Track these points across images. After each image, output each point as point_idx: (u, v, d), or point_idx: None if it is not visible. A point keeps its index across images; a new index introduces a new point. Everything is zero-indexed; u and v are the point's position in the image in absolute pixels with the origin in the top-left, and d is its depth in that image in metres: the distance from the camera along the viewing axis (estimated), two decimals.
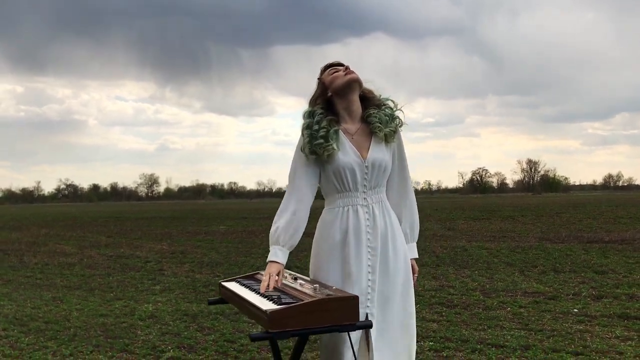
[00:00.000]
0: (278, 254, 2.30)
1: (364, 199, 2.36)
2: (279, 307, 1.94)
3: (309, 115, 2.38)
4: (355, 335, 2.20)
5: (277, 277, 2.24)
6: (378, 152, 2.37)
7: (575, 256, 9.52)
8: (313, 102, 2.42)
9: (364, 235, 2.32)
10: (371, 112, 2.39)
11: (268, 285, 2.17)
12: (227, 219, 23.76)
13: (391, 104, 2.43)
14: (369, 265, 2.30)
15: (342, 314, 1.95)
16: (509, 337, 4.65)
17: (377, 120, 2.36)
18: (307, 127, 2.34)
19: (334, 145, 2.31)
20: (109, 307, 6.27)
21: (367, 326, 2.03)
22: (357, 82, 2.37)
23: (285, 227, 2.32)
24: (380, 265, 2.32)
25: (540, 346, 4.35)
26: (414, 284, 2.43)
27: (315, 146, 2.30)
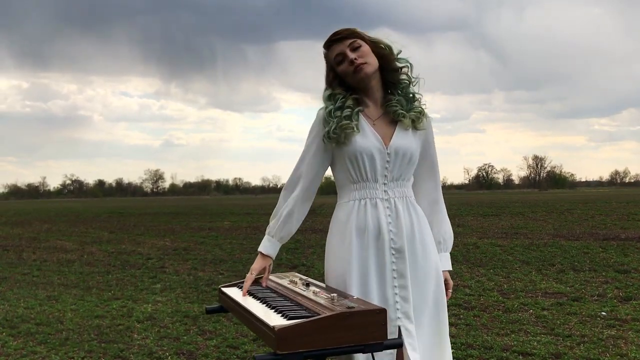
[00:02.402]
0: (265, 244, 2.08)
1: (385, 191, 1.99)
2: (290, 322, 1.58)
3: (329, 98, 2.02)
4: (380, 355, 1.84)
5: (265, 274, 2.08)
6: (403, 139, 2.00)
7: (593, 254, 9.13)
8: (329, 83, 2.05)
9: (387, 235, 1.95)
10: (390, 98, 2.03)
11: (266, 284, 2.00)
12: (232, 215, 23.44)
13: (407, 73, 2.05)
14: (394, 270, 1.93)
15: (366, 330, 1.59)
16: (535, 343, 4.28)
17: (399, 107, 2.00)
18: (329, 114, 1.99)
19: (354, 125, 1.96)
20: (106, 307, 5.93)
21: (396, 345, 1.67)
22: (370, 76, 2.00)
23: (277, 216, 2.07)
24: (410, 272, 1.95)
25: (572, 354, 3.99)
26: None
27: (338, 129, 1.95)
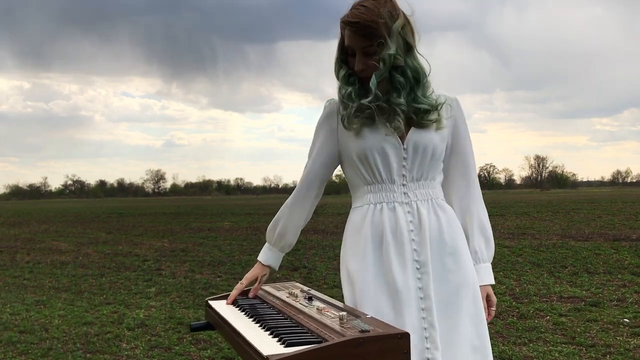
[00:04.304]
0: (265, 253, 1.84)
1: (404, 193, 1.66)
2: (288, 350, 1.25)
3: (346, 78, 1.67)
4: None
5: (256, 285, 1.85)
6: (423, 133, 1.66)
7: (606, 256, 8.79)
8: (343, 61, 1.68)
9: (408, 245, 1.61)
10: (400, 102, 1.62)
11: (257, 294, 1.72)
12: (232, 215, 23.12)
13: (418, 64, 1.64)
14: (419, 288, 1.59)
15: None
16: (556, 354, 3.95)
17: (405, 109, 1.64)
18: (349, 96, 1.64)
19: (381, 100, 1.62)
20: (96, 313, 5.61)
21: None
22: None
23: (274, 224, 1.83)
24: (438, 288, 1.61)
25: None
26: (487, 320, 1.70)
27: (363, 108, 1.63)
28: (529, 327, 4.68)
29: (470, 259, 1.69)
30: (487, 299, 1.73)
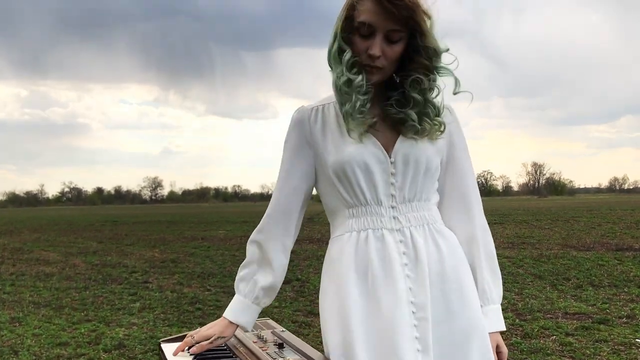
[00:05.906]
0: (233, 309, 1.45)
1: (394, 218, 1.35)
2: None
3: (352, 66, 1.32)
4: None
5: (205, 343, 1.46)
6: (413, 143, 1.35)
7: (610, 267, 8.49)
8: (347, 40, 1.33)
9: (402, 283, 1.29)
10: (393, 101, 1.35)
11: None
12: (228, 223, 22.77)
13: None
14: (416, 338, 1.27)
15: None
16: None
17: (400, 111, 1.35)
18: (359, 86, 1.30)
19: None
20: (73, 331, 5.27)
21: None
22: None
23: (246, 270, 1.48)
24: (440, 336, 1.30)
25: None
26: None
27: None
28: (534, 349, 4.36)
29: (477, 298, 1.38)
30: (497, 350, 1.41)
